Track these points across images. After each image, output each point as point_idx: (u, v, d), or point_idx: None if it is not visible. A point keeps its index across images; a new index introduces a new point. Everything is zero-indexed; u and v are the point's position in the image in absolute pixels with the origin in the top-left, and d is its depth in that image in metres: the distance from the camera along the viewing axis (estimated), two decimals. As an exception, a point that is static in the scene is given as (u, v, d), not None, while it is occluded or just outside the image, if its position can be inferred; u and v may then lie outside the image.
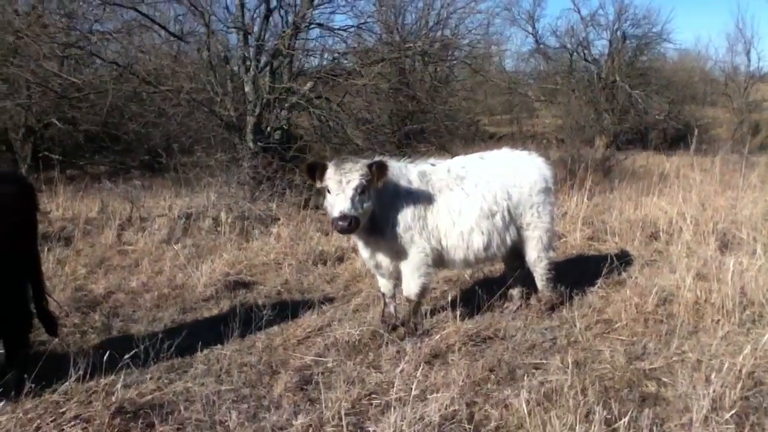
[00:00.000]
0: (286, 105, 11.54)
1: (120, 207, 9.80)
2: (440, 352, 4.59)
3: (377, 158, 4.86)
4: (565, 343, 4.76)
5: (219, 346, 4.86)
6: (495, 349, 4.70)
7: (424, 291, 5.08)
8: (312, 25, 11.70)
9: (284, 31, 11.16)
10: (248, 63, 11.25)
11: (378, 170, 4.65)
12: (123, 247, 8.03)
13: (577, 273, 6.30)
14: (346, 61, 12.46)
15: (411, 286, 4.98)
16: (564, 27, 26.71)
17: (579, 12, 25.93)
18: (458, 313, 5.10)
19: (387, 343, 4.71)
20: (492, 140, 23.20)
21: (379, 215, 4.84)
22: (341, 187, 4.57)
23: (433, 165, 5.29)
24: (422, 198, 4.97)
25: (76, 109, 14.84)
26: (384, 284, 5.25)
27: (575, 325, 4.97)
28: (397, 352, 4.60)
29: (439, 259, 5.13)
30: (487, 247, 5.11)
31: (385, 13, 14.82)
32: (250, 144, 11.20)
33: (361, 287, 6.42)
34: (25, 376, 3.83)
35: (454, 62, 17.38)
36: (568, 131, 22.38)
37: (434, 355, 4.53)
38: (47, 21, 13.19)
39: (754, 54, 33.12)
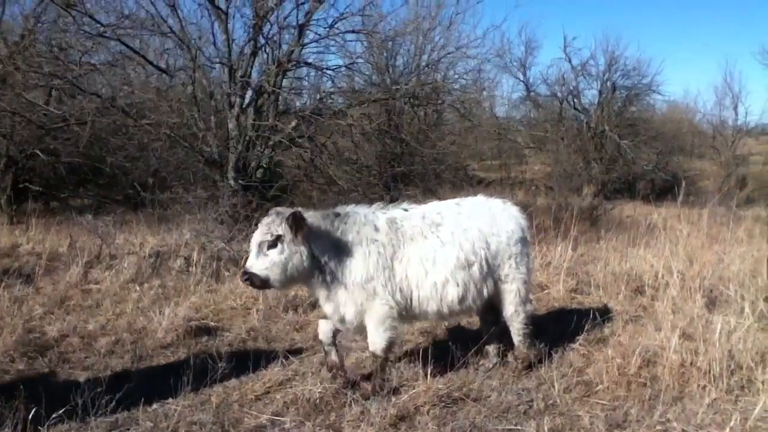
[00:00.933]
0: (270, 143, 11.36)
1: (90, 243, 9.47)
2: (407, 413, 4.26)
3: (293, 210, 4.63)
4: (542, 407, 4.44)
5: (170, 399, 4.50)
6: (467, 411, 4.38)
7: (390, 345, 4.72)
8: (299, 64, 11.60)
9: (270, 69, 11.04)
10: (233, 99, 11.10)
11: (294, 223, 4.49)
12: (87, 286, 7.67)
13: (559, 328, 6.00)
14: (332, 101, 12.36)
15: (376, 340, 4.65)
16: (555, 75, 26.87)
17: (570, 61, 26.17)
18: (429, 369, 4.76)
19: (351, 402, 4.37)
20: (481, 185, 23.09)
21: (337, 266, 4.63)
22: (251, 244, 4.60)
23: (406, 210, 5.01)
24: (389, 246, 4.71)
25: (59, 141, 14.63)
26: (322, 330, 4.92)
27: (554, 387, 4.66)
28: (361, 412, 4.27)
29: (410, 312, 4.83)
30: (462, 300, 4.81)
31: (376, 55, 14.80)
32: (231, 181, 10.99)
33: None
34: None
35: (444, 106, 17.36)
36: (557, 179, 22.34)
37: (400, 417, 4.20)
38: (37, 51, 13.08)
39: (741, 108, 33.23)
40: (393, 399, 4.39)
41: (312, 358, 5.44)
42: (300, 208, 4.74)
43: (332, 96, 12.49)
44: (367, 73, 14.26)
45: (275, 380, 4.81)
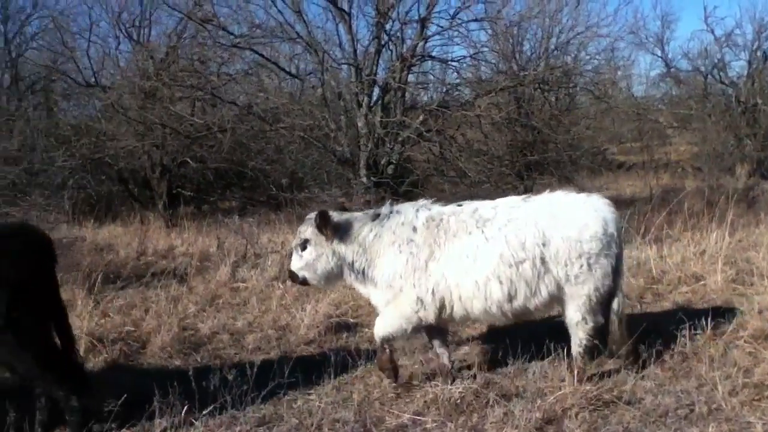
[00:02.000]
0: (399, 139, 11.41)
1: (237, 243, 9.99)
2: (554, 416, 4.05)
3: (318, 212, 4.87)
4: (704, 411, 4.05)
5: (314, 396, 4.62)
6: (620, 415, 4.09)
7: (389, 338, 4.70)
8: (424, 58, 11.55)
9: (394, 65, 11.08)
10: (360, 98, 11.26)
11: (319, 223, 4.72)
12: (235, 284, 8.07)
13: (718, 323, 5.48)
14: (458, 93, 12.20)
15: (379, 326, 4.71)
16: (696, 49, 24.80)
17: (713, 33, 24.05)
18: (575, 370, 4.51)
19: (493, 403, 4.24)
20: (621, 169, 21.92)
21: (367, 266, 4.75)
22: None
23: (459, 206, 4.83)
24: (424, 247, 4.61)
25: (205, 149, 15.64)
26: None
27: (717, 389, 4.24)
28: (504, 414, 4.11)
29: (455, 312, 4.64)
30: (511, 299, 4.51)
31: (501, 42, 14.42)
32: (364, 179, 11.17)
33: (473, 334, 5.97)
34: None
35: (576, 89, 16.62)
36: (705, 159, 20.65)
37: (547, 420, 4.00)
38: (180, 66, 14.07)
39: None
40: (538, 401, 4.18)
41: (452, 356, 5.33)
42: (326, 210, 4.91)
43: (458, 87, 12.35)
44: (493, 61, 13.93)
45: (415, 378, 4.77)
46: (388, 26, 11.23)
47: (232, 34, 11.66)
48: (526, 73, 12.66)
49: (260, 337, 6.05)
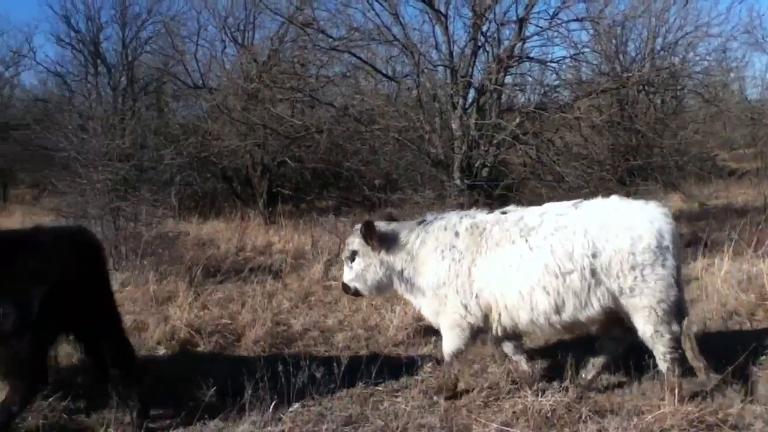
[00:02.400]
0: (494, 141, 11.24)
1: (330, 242, 10.19)
2: (651, 437, 3.86)
3: (363, 221, 5.01)
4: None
5: (401, 399, 4.62)
6: (724, 440, 3.85)
7: (457, 352, 4.71)
8: (521, 59, 11.32)
9: (491, 67, 10.92)
10: (455, 100, 11.18)
11: (364, 234, 4.83)
12: (327, 282, 8.24)
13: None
14: (557, 94, 11.86)
15: (444, 345, 4.77)
16: (822, 47, 22.94)
17: (843, 27, 22.17)
18: (675, 388, 4.26)
19: (586, 418, 4.08)
20: (732, 177, 20.63)
21: (413, 274, 4.80)
22: None
23: (504, 213, 4.76)
24: (467, 253, 4.59)
25: (303, 149, 16.06)
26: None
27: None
28: (598, 431, 3.96)
29: (501, 321, 4.57)
30: (558, 310, 4.37)
31: (604, 42, 13.91)
32: (457, 181, 11.07)
33: (565, 344, 5.78)
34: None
35: (684, 92, 15.78)
36: (826, 166, 19.09)
37: (642, 438, 3.82)
38: (281, 69, 14.53)
39: None
40: (635, 420, 3.98)
41: (540, 367, 5.20)
42: (371, 220, 5.02)
43: (557, 89, 12.00)
44: (594, 62, 13.44)
45: (504, 387, 4.68)
46: (484, 27, 11.09)
47: (330, 37, 11.88)
48: (630, 74, 12.13)
49: (350, 336, 6.15)
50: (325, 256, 9.02)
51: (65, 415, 4.38)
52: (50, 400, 4.40)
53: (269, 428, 3.98)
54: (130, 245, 8.58)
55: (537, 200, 11.35)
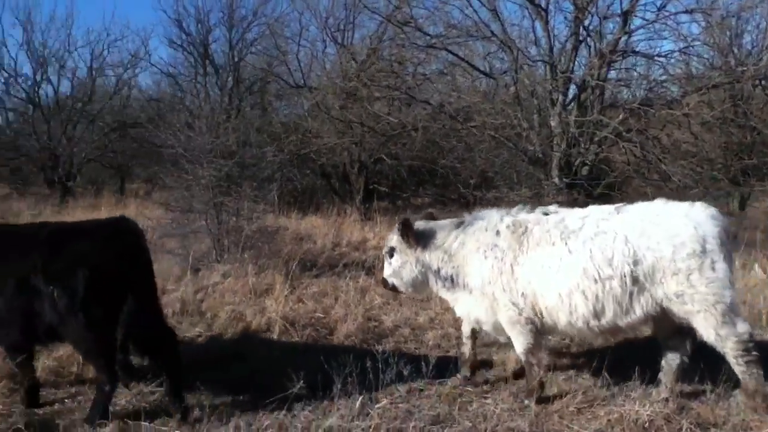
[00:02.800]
0: (595, 139, 10.85)
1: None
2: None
3: (402, 219, 5.10)
4: None
5: (490, 401, 4.57)
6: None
7: (530, 349, 4.62)
8: (626, 53, 10.84)
9: (593, 62, 10.53)
10: (555, 96, 10.89)
11: (402, 231, 4.96)
12: (420, 280, 8.24)
13: None
14: (664, 90, 11.28)
15: (515, 344, 4.72)
16: None
17: None
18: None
19: (686, 429, 3.87)
20: None
21: (455, 273, 4.83)
22: None
23: (546, 214, 4.75)
24: (509, 251, 4.61)
25: (399, 146, 16.17)
26: (463, 328, 5.23)
27: None
28: (698, 443, 3.75)
29: (544, 322, 4.58)
30: (598, 315, 4.34)
31: (716, 35, 13.07)
32: (555, 180, 10.79)
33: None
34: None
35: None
36: None
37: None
38: (379, 67, 14.68)
39: None
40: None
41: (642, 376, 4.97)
42: (408, 218, 5.10)
43: (664, 84, 11.40)
44: (706, 56, 12.68)
45: (599, 395, 4.53)
46: (586, 21, 10.71)
47: (428, 34, 11.87)
48: (745, 68, 11.31)
49: (440, 335, 6.14)
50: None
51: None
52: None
53: (357, 423, 4.04)
54: (232, 239, 8.95)
55: (642, 200, 10.94)
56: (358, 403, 4.20)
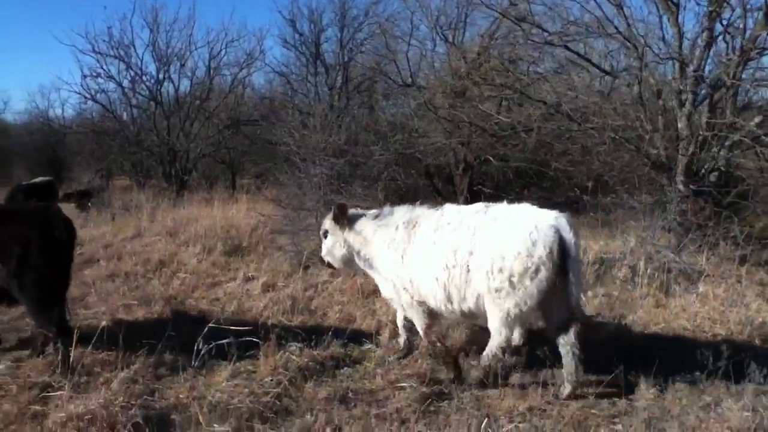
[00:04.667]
0: (727, 143, 10.02)
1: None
2: None
3: (336, 204, 5.76)
4: None
5: (619, 426, 4.21)
6: None
7: (427, 328, 5.28)
8: (765, 51, 9.92)
9: (729, 59, 9.70)
10: (683, 97, 10.14)
11: (335, 215, 5.64)
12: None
13: None
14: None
15: (415, 323, 5.39)
16: None
17: None
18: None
19: None
20: None
21: (369, 257, 5.54)
22: None
23: (437, 210, 5.29)
24: (401, 244, 5.24)
25: (508, 147, 15.73)
26: (398, 315, 5.73)
27: None
28: None
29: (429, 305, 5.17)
30: (449, 300, 4.93)
31: None
32: (680, 186, 10.06)
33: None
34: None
35: None
36: None
37: None
38: (490, 66, 14.34)
39: None
40: None
41: None
42: (344, 203, 5.75)
43: (812, 83, 10.38)
44: None
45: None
46: (724, 15, 9.89)
47: (546, 31, 11.40)
48: None
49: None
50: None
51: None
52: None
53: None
54: (341, 237, 8.92)
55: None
56: (483, 426, 3.96)
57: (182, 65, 21.85)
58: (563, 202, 16.46)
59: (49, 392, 4.67)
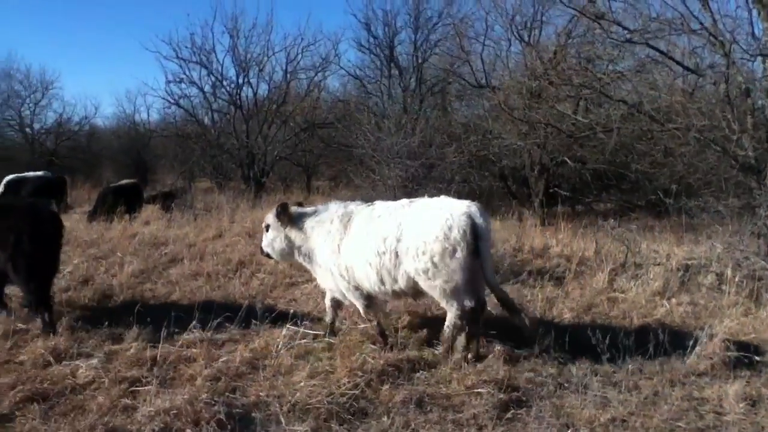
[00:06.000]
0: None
1: (615, 249, 9.51)
2: None
3: (279, 203, 6.36)
4: None
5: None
6: None
7: (366, 309, 5.87)
8: None
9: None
10: (776, 95, 9.64)
11: (277, 213, 6.17)
12: (613, 294, 7.66)
13: None
14: None
15: (356, 305, 5.94)
16: None
17: None
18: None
19: None
20: None
21: (308, 249, 6.07)
22: None
23: (369, 205, 5.88)
24: (337, 235, 5.81)
25: (585, 148, 15.36)
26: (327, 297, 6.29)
27: None
28: None
29: (361, 287, 5.73)
30: (381, 283, 5.53)
31: None
32: (771, 189, 9.55)
33: None
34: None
35: None
36: None
37: None
38: (567, 65, 14.04)
39: None
40: None
41: None
42: (286, 203, 6.30)
43: None
44: None
45: None
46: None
47: (626, 28, 11.08)
48: None
49: (641, 359, 5.57)
50: (609, 265, 8.41)
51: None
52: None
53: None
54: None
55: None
56: None
57: (260, 70, 22.49)
58: (643, 205, 15.97)
59: (137, 386, 4.88)
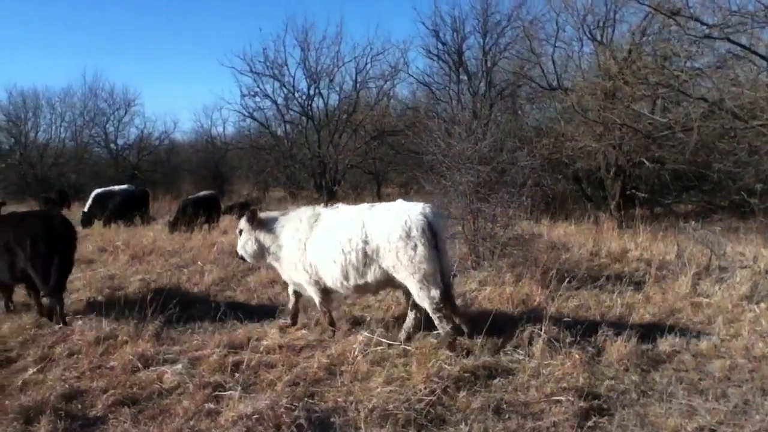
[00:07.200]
0: None
1: (698, 252, 9.16)
2: None
3: (250, 208, 7.12)
4: None
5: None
6: None
7: (321, 302, 6.41)
8: None
9: None
10: None
11: (248, 217, 6.76)
12: (697, 298, 7.38)
13: None
14: None
15: (313, 298, 6.47)
16: None
17: None
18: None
19: None
20: None
21: (276, 249, 6.58)
22: None
23: (335, 208, 6.50)
24: (304, 235, 6.35)
25: (664, 148, 14.83)
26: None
27: None
28: None
29: (324, 283, 6.26)
30: (346, 278, 6.04)
31: None
32: None
33: None
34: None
35: None
36: None
37: None
38: (642, 63, 13.63)
39: None
40: None
41: None
42: (256, 207, 6.81)
43: None
44: None
45: None
46: None
47: (704, 24, 10.68)
48: None
49: (728, 366, 5.36)
50: (692, 269, 8.10)
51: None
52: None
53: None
54: (487, 245, 8.89)
55: None
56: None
57: (331, 80, 22.92)
58: (726, 206, 15.26)
59: (220, 391, 5.06)
